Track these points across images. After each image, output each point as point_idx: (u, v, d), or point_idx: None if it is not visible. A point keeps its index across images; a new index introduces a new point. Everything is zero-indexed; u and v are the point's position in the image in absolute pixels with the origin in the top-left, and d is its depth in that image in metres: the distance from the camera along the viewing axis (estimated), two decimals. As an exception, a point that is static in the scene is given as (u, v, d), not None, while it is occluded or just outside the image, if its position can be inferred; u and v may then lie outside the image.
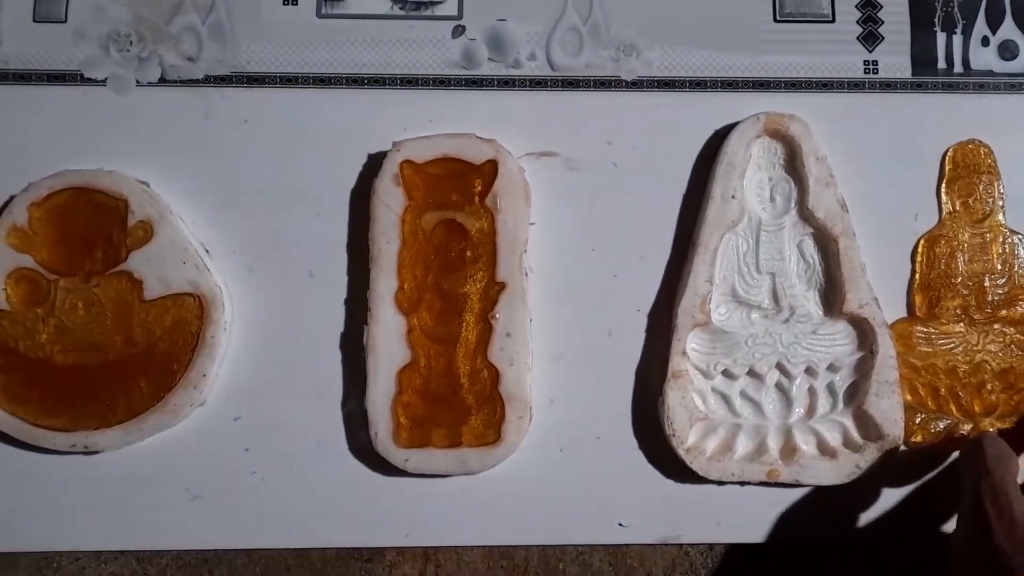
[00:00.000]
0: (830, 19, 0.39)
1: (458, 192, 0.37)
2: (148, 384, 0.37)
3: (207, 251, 0.38)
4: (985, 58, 0.39)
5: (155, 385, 0.37)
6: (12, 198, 0.37)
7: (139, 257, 0.37)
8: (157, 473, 0.37)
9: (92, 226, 0.37)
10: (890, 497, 0.37)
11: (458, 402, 0.36)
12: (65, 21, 0.39)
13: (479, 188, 0.37)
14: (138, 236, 0.37)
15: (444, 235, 0.37)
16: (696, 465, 0.36)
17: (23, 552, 0.38)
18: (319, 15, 0.39)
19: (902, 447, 0.36)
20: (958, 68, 0.39)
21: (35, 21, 0.39)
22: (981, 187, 0.38)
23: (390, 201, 0.37)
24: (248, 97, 0.39)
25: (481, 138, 0.37)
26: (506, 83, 0.39)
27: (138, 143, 0.39)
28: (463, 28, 0.39)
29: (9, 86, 0.39)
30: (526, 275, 0.37)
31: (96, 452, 0.37)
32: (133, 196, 0.37)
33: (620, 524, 0.37)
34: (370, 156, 0.38)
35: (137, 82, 0.39)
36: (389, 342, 0.36)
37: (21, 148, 0.38)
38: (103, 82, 0.39)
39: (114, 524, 0.37)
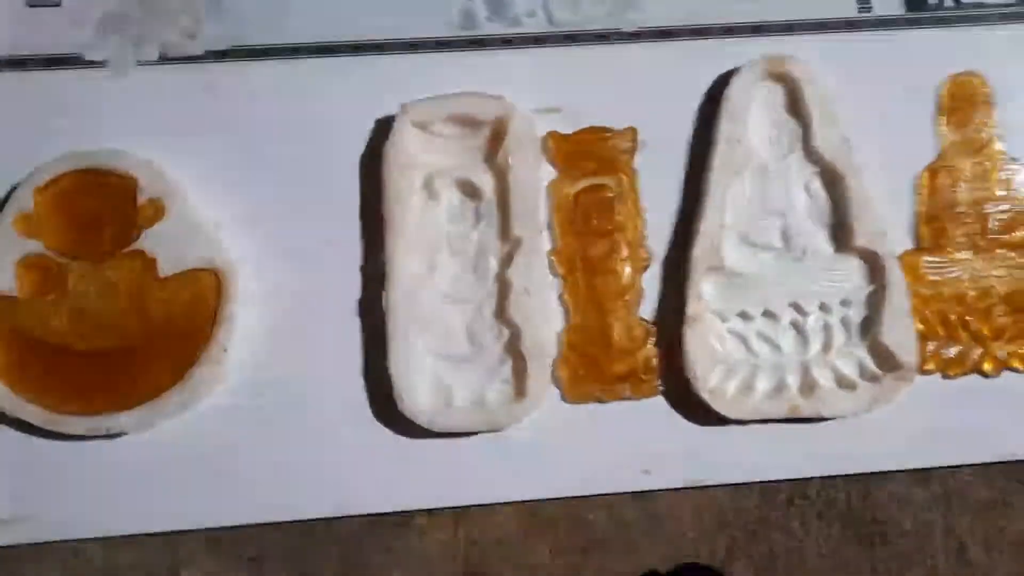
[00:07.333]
0: (822, -42, 0.40)
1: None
2: (168, 363, 0.36)
3: (218, 226, 0.38)
4: (975, -10, 0.40)
5: (175, 364, 0.36)
6: (17, 185, 0.37)
7: (151, 235, 0.37)
8: (181, 453, 0.37)
9: (101, 207, 0.37)
10: (909, 427, 0.38)
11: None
12: (59, 4, 0.38)
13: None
14: (149, 214, 0.37)
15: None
16: (719, 406, 0.36)
17: (49, 542, 0.37)
18: (316, -17, 0.39)
19: (917, 376, 0.37)
20: (949, 2, 0.40)
21: (29, 6, 0.38)
22: (978, 117, 0.39)
23: (401, 164, 0.37)
24: (250, 70, 0.39)
25: (489, 95, 0.37)
26: (507, 42, 0.39)
27: (141, 124, 0.38)
28: (461, -11, 0.39)
29: (6, 73, 0.38)
30: (541, 230, 0.37)
31: (118, 435, 0.37)
32: (142, 174, 0.37)
33: (645, 471, 0.38)
34: (377, 122, 0.38)
35: (137, 62, 0.38)
36: (407, 304, 0.37)
37: (23, 136, 0.38)
38: (102, 64, 0.38)
39: (141, 507, 0.37)
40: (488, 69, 0.39)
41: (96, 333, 0.36)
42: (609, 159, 0.38)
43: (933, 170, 0.39)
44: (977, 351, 0.38)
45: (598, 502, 0.38)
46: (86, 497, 0.37)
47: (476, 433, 0.37)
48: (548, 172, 0.38)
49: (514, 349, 0.37)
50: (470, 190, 0.38)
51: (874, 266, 0.37)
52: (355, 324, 0.38)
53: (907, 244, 0.39)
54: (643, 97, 0.39)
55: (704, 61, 0.39)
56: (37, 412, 0.36)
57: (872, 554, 0.38)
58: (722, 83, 0.38)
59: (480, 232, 0.38)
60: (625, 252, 0.38)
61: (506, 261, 0.37)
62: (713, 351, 0.37)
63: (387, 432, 0.38)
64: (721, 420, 0.37)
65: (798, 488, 0.39)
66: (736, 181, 0.38)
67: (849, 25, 0.40)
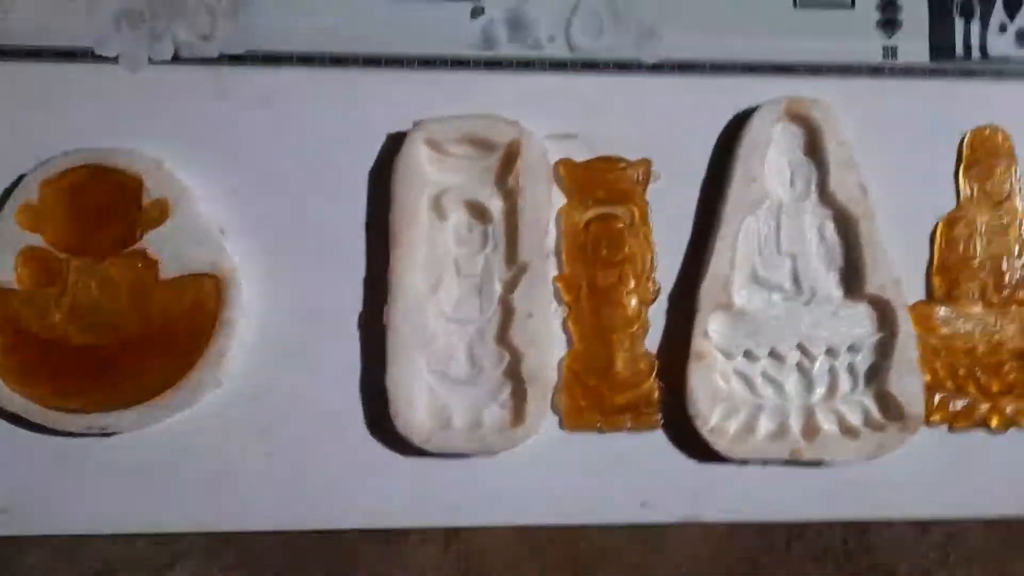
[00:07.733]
0: (850, 5, 0.39)
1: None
2: (166, 365, 0.36)
3: (223, 232, 0.37)
4: (1002, 45, 0.39)
5: (173, 366, 0.36)
6: (23, 176, 0.36)
7: (155, 237, 0.36)
8: (175, 455, 0.37)
9: (106, 205, 0.36)
10: (911, 477, 0.37)
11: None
12: (75, -4, 0.38)
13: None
14: (154, 215, 0.36)
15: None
16: (720, 445, 0.36)
17: (40, 536, 0.37)
18: (337, -7, 0.39)
19: (923, 427, 0.36)
20: (976, 55, 0.39)
21: (45, -4, 0.38)
22: (999, 171, 0.38)
23: (411, 181, 0.36)
24: (264, 76, 0.38)
25: (504, 119, 0.37)
26: (525, 65, 0.39)
27: (151, 123, 0.38)
28: (482, 9, 0.39)
29: (19, 63, 0.38)
30: (548, 256, 0.37)
31: (113, 434, 0.36)
32: (149, 174, 0.36)
33: (643, 504, 0.37)
34: (389, 136, 0.38)
35: (150, 60, 0.38)
36: (409, 321, 0.36)
37: (32, 126, 0.37)
38: (114, 59, 0.38)
39: (132, 507, 0.37)
40: (505, 91, 0.38)
41: (93, 330, 0.36)
42: (621, 189, 0.38)
43: (950, 221, 0.38)
44: (985, 405, 0.37)
45: (593, 531, 0.38)
46: (77, 493, 0.37)
47: (471, 455, 0.37)
48: (559, 198, 0.38)
49: (514, 374, 0.36)
50: (478, 212, 0.37)
51: (884, 314, 0.37)
52: (355, 338, 0.37)
53: (920, 294, 0.38)
54: (660, 129, 0.38)
55: (724, 97, 0.39)
56: (30, 407, 0.36)
57: (867, 601, 0.38)
58: (740, 120, 0.38)
59: (486, 255, 0.37)
60: (633, 284, 0.37)
61: (511, 285, 0.37)
62: (716, 389, 0.36)
63: (381, 448, 0.37)
64: (721, 458, 0.36)
65: (795, 529, 0.38)
66: (749, 219, 0.37)
67: (873, 71, 0.39)
